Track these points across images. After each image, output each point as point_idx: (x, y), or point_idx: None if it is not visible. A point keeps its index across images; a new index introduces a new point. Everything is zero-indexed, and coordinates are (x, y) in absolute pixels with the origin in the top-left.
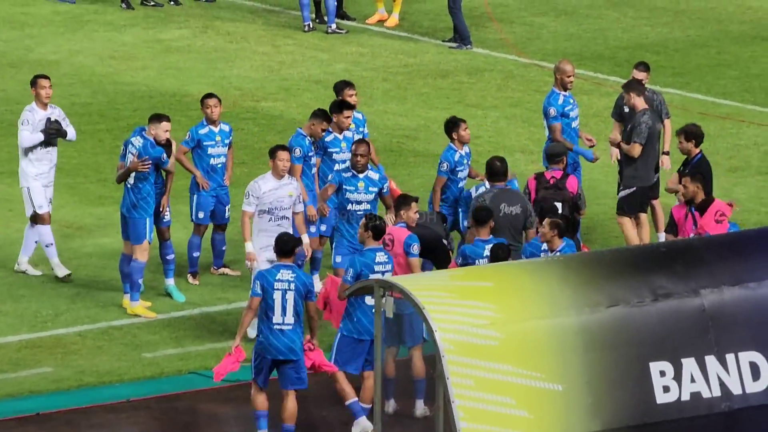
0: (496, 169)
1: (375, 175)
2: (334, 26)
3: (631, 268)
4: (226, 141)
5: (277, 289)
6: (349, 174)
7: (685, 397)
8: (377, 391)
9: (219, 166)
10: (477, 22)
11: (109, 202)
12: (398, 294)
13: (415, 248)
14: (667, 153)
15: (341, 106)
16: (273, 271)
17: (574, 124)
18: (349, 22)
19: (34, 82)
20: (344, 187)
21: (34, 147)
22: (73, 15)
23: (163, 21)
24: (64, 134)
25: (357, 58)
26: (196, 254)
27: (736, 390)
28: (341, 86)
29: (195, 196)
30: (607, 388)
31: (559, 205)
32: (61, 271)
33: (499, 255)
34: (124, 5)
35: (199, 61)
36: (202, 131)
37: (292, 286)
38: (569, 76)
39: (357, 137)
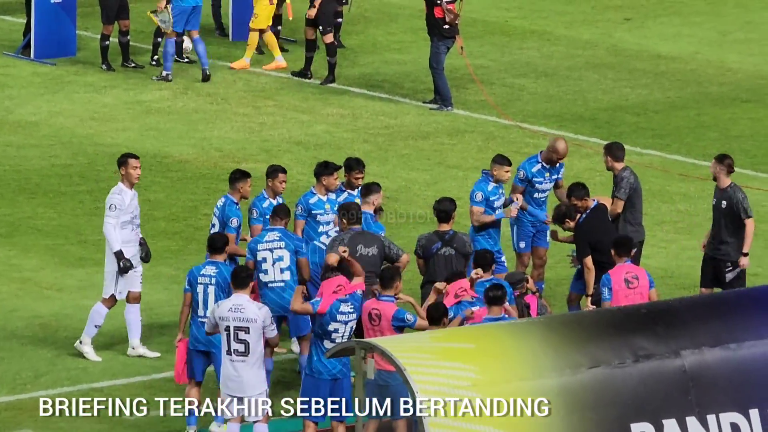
0: (354, 213)
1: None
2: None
3: (612, 329)
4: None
5: (200, 284)
6: None
7: None
8: None
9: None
10: (458, 84)
11: (90, 264)
12: (379, 355)
13: (405, 323)
14: (746, 254)
15: (328, 167)
16: (200, 266)
17: (536, 195)
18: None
19: (124, 162)
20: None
21: (123, 229)
22: (53, 76)
23: (143, 82)
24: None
25: (338, 120)
26: None
27: None
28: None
29: None
30: None
31: None
32: (90, 354)
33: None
34: (104, 66)
35: (180, 123)
36: (265, 205)
37: (213, 281)
38: (560, 158)
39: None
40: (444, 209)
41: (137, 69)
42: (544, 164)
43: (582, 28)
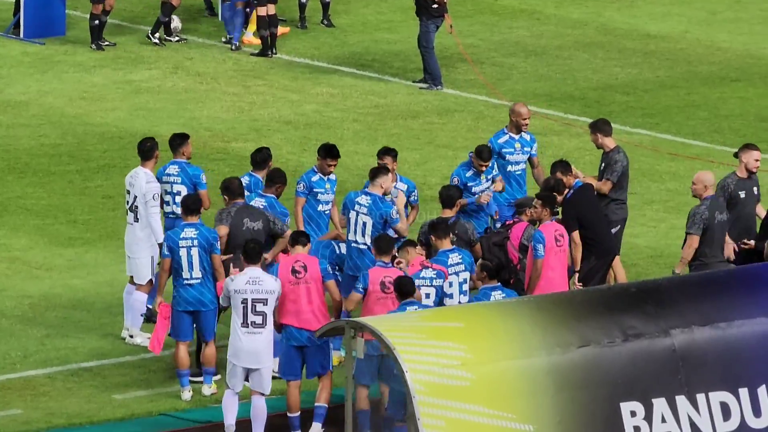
0: (234, 189)
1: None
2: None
3: (602, 308)
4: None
5: (182, 247)
6: None
7: None
8: (347, 428)
9: (326, 213)
10: (447, 63)
11: (79, 243)
12: (369, 335)
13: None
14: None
15: (331, 152)
16: (177, 230)
17: (510, 168)
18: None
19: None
20: None
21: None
22: (42, 56)
23: (133, 62)
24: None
25: (327, 99)
26: None
27: (706, 430)
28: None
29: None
30: (578, 428)
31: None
32: (147, 341)
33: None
34: (93, 46)
35: (170, 102)
36: (314, 179)
37: (195, 242)
38: (524, 119)
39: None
40: (448, 195)
41: (110, 46)
42: (512, 135)
43: (571, 8)
